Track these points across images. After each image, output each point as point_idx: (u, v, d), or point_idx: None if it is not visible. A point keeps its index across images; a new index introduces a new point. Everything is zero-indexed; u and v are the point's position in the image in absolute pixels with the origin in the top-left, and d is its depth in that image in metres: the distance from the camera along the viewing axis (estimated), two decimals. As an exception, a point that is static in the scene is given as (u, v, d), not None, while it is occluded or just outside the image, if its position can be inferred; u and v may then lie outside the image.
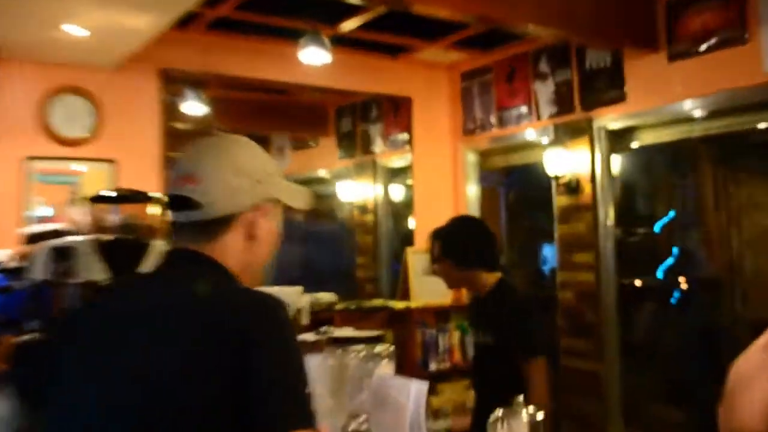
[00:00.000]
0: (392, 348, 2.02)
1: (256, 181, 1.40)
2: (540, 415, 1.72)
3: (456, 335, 4.84)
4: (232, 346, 1.19)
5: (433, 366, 4.70)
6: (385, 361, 2.00)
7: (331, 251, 6.53)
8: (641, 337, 6.61)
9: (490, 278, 2.91)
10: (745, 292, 6.53)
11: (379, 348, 2.03)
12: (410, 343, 4.61)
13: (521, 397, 1.75)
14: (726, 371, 1.36)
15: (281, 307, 1.28)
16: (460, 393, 4.80)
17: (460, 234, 3.00)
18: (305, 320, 2.22)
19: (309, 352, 2.04)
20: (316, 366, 2.01)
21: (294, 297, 2.14)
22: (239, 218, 1.38)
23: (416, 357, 4.62)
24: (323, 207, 7.07)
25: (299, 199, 1.50)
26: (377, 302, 4.81)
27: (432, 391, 4.69)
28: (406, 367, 4.55)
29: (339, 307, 4.50)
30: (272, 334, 1.24)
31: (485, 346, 2.85)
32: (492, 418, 1.73)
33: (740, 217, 6.64)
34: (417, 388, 1.79)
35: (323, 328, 2.12)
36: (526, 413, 1.71)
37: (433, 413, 4.65)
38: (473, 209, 5.87)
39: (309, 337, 2.09)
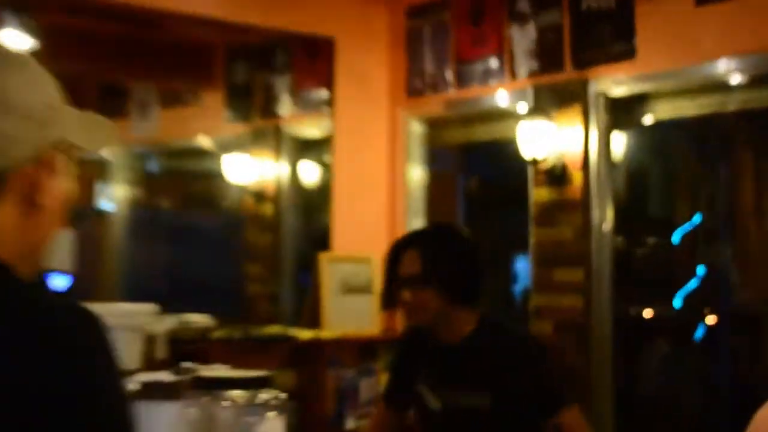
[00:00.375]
0: (285, 396, 2.03)
1: (38, 122, 1.33)
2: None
3: (385, 379, 4.87)
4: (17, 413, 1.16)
5: (350, 423, 4.72)
6: (272, 415, 2.01)
7: (211, 255, 6.49)
8: (647, 391, 6.75)
9: (470, 318, 3.04)
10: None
11: (265, 395, 2.04)
12: (318, 389, 4.63)
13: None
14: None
15: (97, 327, 1.26)
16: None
17: (455, 253, 3.11)
18: (161, 352, 2.21)
19: (163, 399, 2.04)
20: (171, 418, 2.00)
21: (144, 318, 2.13)
22: (12, 179, 1.32)
23: (326, 410, 4.65)
24: (201, 191, 7.03)
25: (99, 137, 1.47)
26: (274, 330, 4.82)
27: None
28: (311, 423, 4.57)
29: (217, 335, 4.48)
30: (83, 376, 1.21)
31: (471, 412, 2.95)
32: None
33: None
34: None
35: (185, 365, 2.12)
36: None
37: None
38: (417, 201, 5.91)
39: (164, 376, 2.08)
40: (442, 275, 3.03)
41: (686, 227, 6.98)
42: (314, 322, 4.87)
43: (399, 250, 3.15)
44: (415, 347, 3.19)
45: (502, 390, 2.92)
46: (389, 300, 3.20)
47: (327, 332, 4.74)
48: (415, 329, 3.21)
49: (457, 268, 3.07)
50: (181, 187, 7.42)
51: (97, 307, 1.32)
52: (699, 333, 6.84)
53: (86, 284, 5.82)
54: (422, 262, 3.04)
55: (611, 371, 4.97)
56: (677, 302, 6.72)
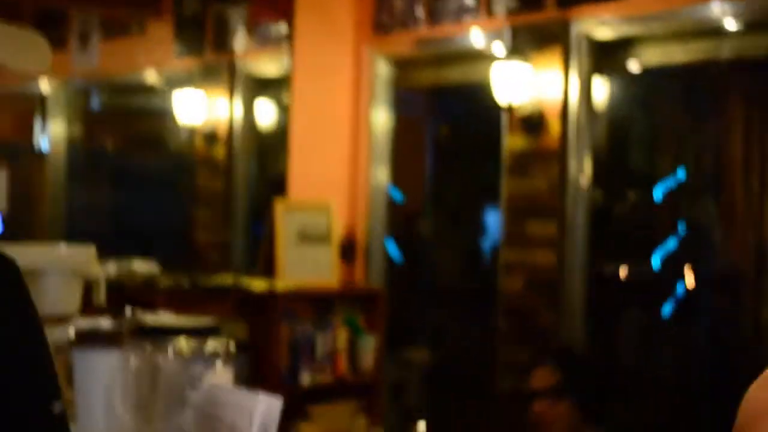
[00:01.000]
0: (233, 345, 2.04)
1: None
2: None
3: (343, 334, 4.90)
4: None
5: (305, 378, 4.76)
6: (220, 365, 2.02)
7: (158, 200, 6.47)
8: (621, 354, 6.83)
9: None
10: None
11: (212, 345, 2.05)
12: (272, 342, 4.65)
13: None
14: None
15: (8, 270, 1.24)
16: (343, 419, 4.87)
17: (590, 369, 3.62)
18: (101, 298, 2.22)
19: (102, 347, 2.04)
20: (111, 368, 2.01)
21: (82, 261, 2.12)
22: None
23: (280, 364, 4.67)
24: (147, 130, 6.99)
25: (31, 55, 1.44)
26: (225, 279, 4.83)
27: (300, 415, 4.77)
28: (263, 378, 4.59)
29: (164, 283, 4.48)
30: None
31: None
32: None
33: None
34: (265, 407, 1.82)
35: (128, 312, 2.12)
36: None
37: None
38: (382, 147, 5.91)
39: (104, 323, 2.09)
40: (577, 387, 3.36)
41: (669, 182, 7.02)
42: (268, 272, 4.87)
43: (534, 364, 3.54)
44: None
45: None
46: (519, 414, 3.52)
47: (282, 283, 4.75)
48: None
49: (592, 383, 3.45)
50: (125, 126, 7.38)
51: (30, 249, 1.32)
52: (678, 294, 6.91)
53: (22, 225, 5.78)
54: (563, 373, 3.40)
55: (583, 333, 5.03)
56: (656, 261, 6.78)
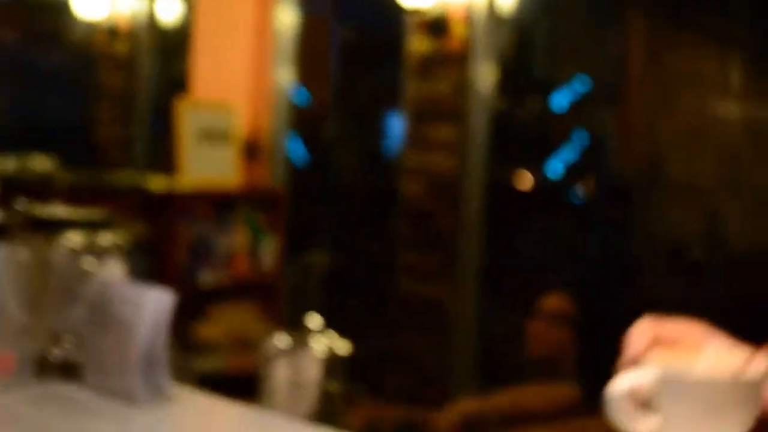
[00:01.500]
0: (125, 238, 2.01)
1: None
2: (344, 348, 1.79)
3: (243, 235, 4.88)
4: None
5: (204, 279, 4.74)
6: (112, 260, 1.98)
7: (56, 95, 6.33)
8: (516, 260, 6.92)
9: None
10: (666, 204, 6.95)
11: (106, 239, 2.01)
12: (170, 242, 4.61)
13: (316, 319, 1.81)
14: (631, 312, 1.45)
15: None
16: (242, 320, 4.87)
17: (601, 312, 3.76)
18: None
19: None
20: (1, 262, 1.97)
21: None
22: None
23: (179, 264, 4.64)
24: (46, 24, 6.79)
25: None
26: (126, 177, 4.76)
27: (199, 316, 4.76)
28: (162, 277, 4.56)
29: (63, 180, 4.40)
30: None
31: None
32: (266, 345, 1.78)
33: (676, 96, 6.99)
34: (155, 301, 1.80)
35: (18, 203, 2.07)
36: (320, 344, 1.77)
37: (200, 346, 4.71)
38: (286, 48, 5.82)
39: (-6, 215, 2.03)
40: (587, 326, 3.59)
41: (571, 91, 7.06)
42: (169, 171, 4.80)
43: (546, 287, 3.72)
44: None
45: None
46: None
47: (182, 182, 4.69)
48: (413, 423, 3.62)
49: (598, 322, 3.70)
50: (24, 20, 7.15)
51: None
52: (574, 203, 7.00)
53: None
54: (572, 306, 3.61)
55: (480, 238, 5.07)
56: (556, 169, 6.85)
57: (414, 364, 5.13)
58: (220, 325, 4.84)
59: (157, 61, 6.05)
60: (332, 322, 5.59)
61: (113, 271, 1.99)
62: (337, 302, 6.86)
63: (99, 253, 1.99)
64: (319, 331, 1.82)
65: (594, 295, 6.25)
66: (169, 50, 6.13)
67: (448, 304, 5.02)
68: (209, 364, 4.75)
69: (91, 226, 2.03)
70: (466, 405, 3.37)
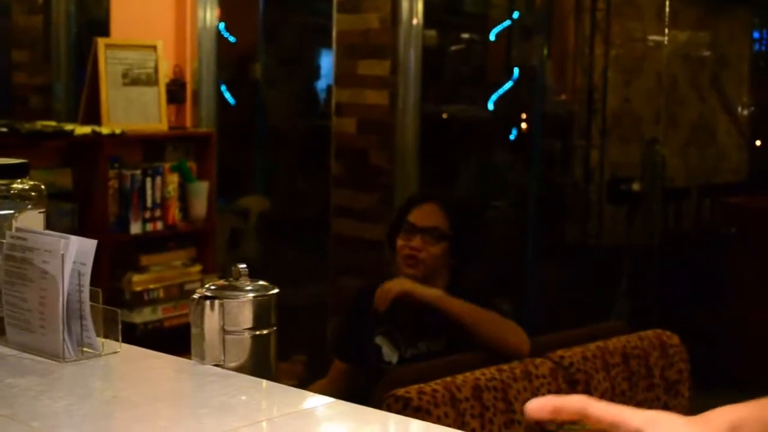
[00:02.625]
0: (42, 187, 1.92)
1: None
2: (273, 290, 1.74)
3: (173, 181, 4.79)
4: None
5: (136, 227, 4.66)
6: (29, 208, 1.90)
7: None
8: (454, 196, 6.91)
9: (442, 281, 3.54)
10: (604, 135, 6.97)
11: (21, 185, 1.92)
12: (98, 191, 4.52)
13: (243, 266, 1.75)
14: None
15: None
16: (177, 270, 4.81)
17: (474, 221, 3.71)
18: None
19: None
20: None
21: None
22: None
23: (108, 213, 4.55)
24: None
25: None
26: (47, 125, 4.63)
27: (131, 266, 4.68)
28: (91, 226, 4.47)
29: (-21, 130, 4.29)
30: None
31: (425, 356, 3.48)
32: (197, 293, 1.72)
33: (609, 24, 6.98)
34: (77, 248, 1.72)
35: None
36: (247, 283, 1.72)
37: (134, 298, 4.65)
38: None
39: None
40: (461, 236, 3.48)
41: (504, 24, 7.02)
42: (93, 116, 4.68)
43: (417, 200, 3.60)
44: (371, 303, 3.47)
45: (456, 337, 3.37)
46: (389, 239, 3.60)
47: (107, 127, 4.58)
48: (370, 286, 3.52)
49: (471, 234, 3.56)
50: None
51: None
52: (512, 138, 7.00)
53: None
54: (448, 218, 3.48)
55: (417, 175, 5.04)
56: (490, 104, 6.83)
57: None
58: (154, 273, 4.77)
59: (75, 1, 5.88)
60: (269, 267, 5.57)
61: (31, 219, 1.91)
62: (275, 246, 6.81)
63: (14, 200, 1.91)
64: (250, 278, 1.76)
65: (536, 229, 6.25)
66: (87, -9, 5.98)
67: (385, 245, 4.99)
68: (145, 316, 4.69)
69: (7, 174, 1.94)
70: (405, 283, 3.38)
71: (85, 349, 1.74)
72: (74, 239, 1.72)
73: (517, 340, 3.34)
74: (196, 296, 1.72)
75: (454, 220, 3.51)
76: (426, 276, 3.47)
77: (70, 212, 4.45)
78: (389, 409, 2.85)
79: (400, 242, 3.51)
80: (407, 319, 3.49)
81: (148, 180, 4.69)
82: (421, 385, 2.95)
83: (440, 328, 3.45)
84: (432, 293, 3.39)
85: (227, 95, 6.86)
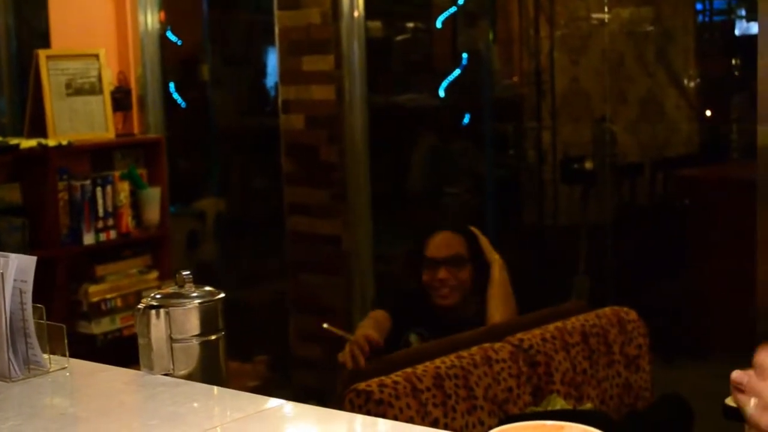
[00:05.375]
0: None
1: None
2: (219, 295, 1.72)
3: (124, 189, 4.75)
4: None
5: (89, 238, 4.62)
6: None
7: None
8: (412, 185, 6.91)
9: None
10: (554, 115, 6.98)
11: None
12: (48, 203, 4.47)
13: (185, 273, 1.73)
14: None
15: None
16: (133, 278, 4.78)
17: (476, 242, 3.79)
18: None
19: None
20: None
21: None
22: None
23: (60, 225, 4.51)
24: None
25: None
26: (-8, 141, 4.58)
27: (87, 277, 4.64)
28: (44, 241, 4.43)
29: None
30: None
31: None
32: (142, 303, 1.70)
33: (553, 4, 7.00)
34: (16, 268, 1.69)
35: None
36: (193, 290, 1.70)
37: (92, 309, 4.61)
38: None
39: None
40: (480, 257, 3.68)
41: (450, 10, 7.02)
42: (38, 129, 4.63)
43: (429, 232, 3.73)
44: (416, 302, 3.70)
45: None
46: (413, 278, 3.74)
47: (54, 139, 4.53)
48: (418, 290, 3.71)
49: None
50: None
51: None
52: (465, 122, 7.00)
53: None
54: (465, 242, 3.67)
55: (367, 168, 5.03)
56: (440, 91, 6.82)
57: (315, 306, 5.09)
58: (111, 282, 4.73)
59: (13, 14, 5.80)
60: (229, 268, 5.53)
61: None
62: (233, 247, 6.77)
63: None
64: (197, 284, 1.74)
65: (493, 213, 6.26)
66: (24, 2, 5.89)
67: (341, 240, 4.98)
68: (103, 326, 4.65)
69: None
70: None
71: (31, 367, 1.72)
72: (13, 257, 1.70)
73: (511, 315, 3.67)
74: (141, 306, 1.70)
75: (469, 240, 3.71)
76: (463, 300, 3.66)
77: (21, 227, 4.40)
78: (351, 404, 2.85)
79: (426, 277, 3.66)
80: (441, 318, 3.65)
81: (99, 189, 4.64)
82: (382, 377, 2.94)
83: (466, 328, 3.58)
84: (496, 257, 3.72)
85: (177, 98, 6.82)
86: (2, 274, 1.68)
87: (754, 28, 5.99)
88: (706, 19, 7.56)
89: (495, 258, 3.71)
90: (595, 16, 6.86)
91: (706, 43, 7.35)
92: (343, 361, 3.20)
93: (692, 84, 7.30)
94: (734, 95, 6.74)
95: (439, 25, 7.01)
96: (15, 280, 1.70)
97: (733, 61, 6.90)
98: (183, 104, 6.89)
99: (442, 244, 3.68)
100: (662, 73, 7.28)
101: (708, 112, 7.35)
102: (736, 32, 7.09)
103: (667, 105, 7.28)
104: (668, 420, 3.42)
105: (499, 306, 3.64)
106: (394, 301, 3.93)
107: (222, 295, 1.72)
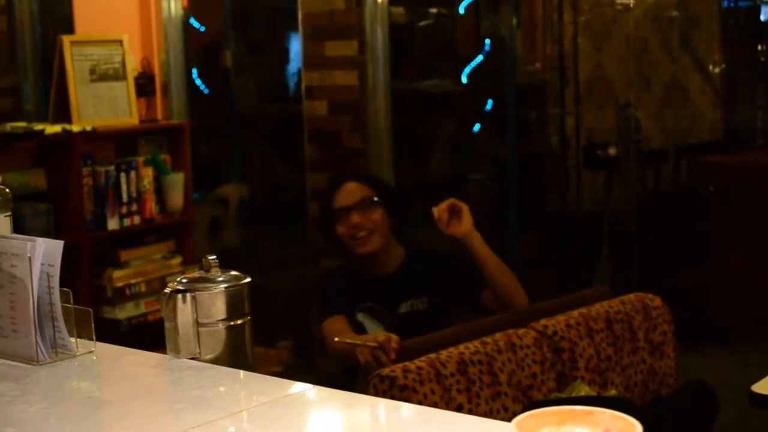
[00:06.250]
0: (7, 191, 1.90)
1: None
2: (245, 279, 1.72)
3: (148, 175, 4.76)
4: None
5: (113, 223, 4.63)
6: (-5, 213, 1.89)
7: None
8: (434, 171, 6.90)
9: (399, 248, 3.71)
10: (578, 101, 6.96)
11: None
12: (72, 189, 4.49)
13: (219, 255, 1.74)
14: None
15: None
16: (157, 263, 4.79)
17: (392, 185, 3.94)
18: None
19: None
20: None
21: None
22: None
23: (84, 211, 4.52)
24: None
25: None
26: (17, 126, 4.59)
27: (111, 262, 4.66)
28: (68, 226, 4.44)
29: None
30: None
31: (410, 316, 3.63)
32: (168, 287, 1.70)
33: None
34: (44, 250, 1.70)
35: None
36: (219, 275, 1.70)
37: (116, 294, 4.63)
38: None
39: None
40: (391, 196, 3.68)
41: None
42: (63, 115, 4.64)
43: (334, 185, 3.70)
44: (347, 282, 3.67)
45: (437, 294, 3.61)
46: (328, 235, 3.70)
47: (78, 125, 4.54)
48: (344, 268, 3.74)
49: (398, 194, 3.81)
50: None
51: None
52: (487, 108, 6.98)
53: None
54: (371, 187, 3.64)
55: (390, 153, 5.03)
56: (463, 77, 6.80)
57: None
58: (135, 268, 4.74)
59: (37, 0, 5.82)
60: (252, 254, 5.54)
61: (-2, 226, 1.89)
62: (256, 233, 6.79)
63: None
64: (229, 267, 1.75)
65: (516, 199, 6.25)
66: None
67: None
68: (128, 311, 4.67)
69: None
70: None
71: (59, 350, 1.73)
72: (40, 241, 1.70)
73: (520, 294, 3.58)
74: (167, 290, 1.71)
75: (375, 185, 3.70)
76: (385, 245, 3.61)
77: (46, 212, 4.41)
78: (375, 389, 2.85)
79: (341, 230, 3.61)
80: (381, 288, 3.61)
81: (123, 175, 4.65)
82: (406, 363, 2.94)
83: (421, 286, 3.60)
84: (464, 229, 3.54)
85: (200, 84, 6.83)
86: (30, 257, 1.69)
87: (779, 13, 5.96)
88: (731, 4, 7.52)
89: (473, 233, 3.57)
90: (619, 1, 6.82)
91: (731, 28, 7.31)
92: (366, 362, 3.15)
93: (717, 70, 7.25)
94: (759, 81, 6.70)
95: (462, 10, 6.99)
96: (42, 264, 1.70)
97: (759, 47, 6.86)
98: (206, 90, 6.90)
99: (347, 192, 3.65)
100: (687, 58, 7.24)
101: (733, 98, 7.31)
102: (762, 17, 7.05)
103: (692, 91, 7.25)
104: (693, 407, 3.41)
105: (512, 282, 3.59)
106: (325, 290, 3.87)
107: (248, 279, 1.72)
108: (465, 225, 3.53)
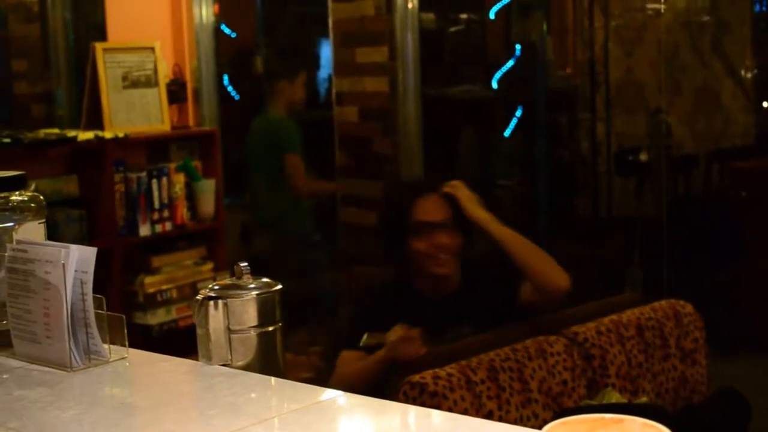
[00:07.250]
0: (41, 198, 1.91)
1: None
2: (277, 286, 1.73)
3: (180, 181, 4.79)
4: None
5: (145, 230, 4.66)
6: (29, 219, 1.90)
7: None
8: (465, 177, 6.89)
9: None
10: (609, 107, 6.94)
11: (20, 197, 1.92)
12: (105, 195, 4.52)
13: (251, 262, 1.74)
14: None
15: None
16: (188, 269, 4.81)
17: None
18: None
19: None
20: None
21: None
22: None
23: (116, 216, 4.55)
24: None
25: None
26: (50, 132, 4.63)
27: (143, 268, 4.69)
28: (100, 232, 4.47)
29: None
30: None
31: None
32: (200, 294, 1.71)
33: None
34: (78, 257, 1.71)
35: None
36: (251, 281, 1.70)
37: (148, 300, 4.65)
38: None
39: None
40: (468, 224, 3.33)
41: (501, 2, 6.99)
42: (95, 121, 4.68)
43: (414, 194, 3.38)
44: (397, 298, 3.40)
45: (480, 321, 3.34)
46: (395, 249, 3.41)
47: (110, 131, 4.57)
48: (398, 282, 3.44)
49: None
50: None
51: None
52: (517, 115, 6.97)
53: None
54: (450, 205, 3.30)
55: (421, 159, 5.03)
56: (494, 82, 6.79)
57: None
58: (166, 274, 4.78)
59: (71, 8, 5.86)
60: (280, 261, 5.53)
61: (31, 231, 1.90)
62: (286, 240, 6.79)
63: (14, 212, 1.91)
64: (259, 274, 1.75)
65: (546, 204, 6.24)
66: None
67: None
68: (159, 317, 4.70)
69: (6, 187, 1.93)
70: None
71: (92, 356, 1.74)
72: (74, 248, 1.71)
73: (559, 274, 3.32)
74: (199, 297, 1.71)
75: (453, 204, 3.35)
76: (455, 270, 3.38)
77: (78, 219, 4.45)
78: (406, 396, 2.85)
79: (420, 245, 3.32)
80: (433, 310, 3.37)
81: (154, 181, 4.69)
82: (437, 369, 2.94)
83: (464, 315, 3.38)
84: (481, 215, 3.31)
85: (231, 90, 6.85)
86: (64, 264, 1.70)
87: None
88: (763, 8, 7.47)
89: (481, 216, 3.33)
90: (650, 6, 6.79)
91: (763, 33, 7.26)
92: (397, 356, 3.09)
93: (749, 75, 7.21)
94: (792, 86, 6.66)
95: (492, 16, 6.99)
96: (76, 271, 1.71)
97: (791, 52, 6.82)
98: (236, 97, 6.92)
99: (432, 206, 3.34)
100: (718, 63, 7.20)
101: (765, 103, 7.27)
102: (794, 22, 7.01)
103: (723, 96, 7.21)
104: (725, 414, 3.38)
105: (546, 261, 3.38)
106: (371, 302, 3.61)
107: (279, 286, 1.72)
108: (470, 213, 3.31)
